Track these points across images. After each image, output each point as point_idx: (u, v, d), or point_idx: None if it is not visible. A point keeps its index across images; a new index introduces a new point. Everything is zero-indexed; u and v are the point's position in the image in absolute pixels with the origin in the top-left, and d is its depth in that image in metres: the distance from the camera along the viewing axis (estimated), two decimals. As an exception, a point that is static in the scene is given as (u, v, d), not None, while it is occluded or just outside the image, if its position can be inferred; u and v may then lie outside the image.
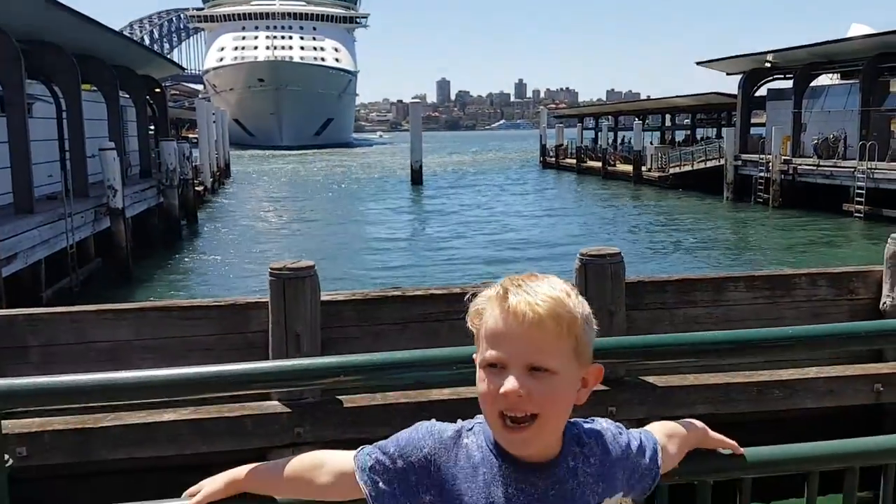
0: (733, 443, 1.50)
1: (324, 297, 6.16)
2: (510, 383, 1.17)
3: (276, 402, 5.98)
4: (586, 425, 1.33)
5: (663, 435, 1.43)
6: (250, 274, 19.47)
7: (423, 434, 1.27)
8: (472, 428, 1.29)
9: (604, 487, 1.28)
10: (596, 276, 5.91)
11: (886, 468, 1.63)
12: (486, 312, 1.23)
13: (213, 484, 1.39)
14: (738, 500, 1.60)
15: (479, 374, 1.23)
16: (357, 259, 22.17)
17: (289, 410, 5.80)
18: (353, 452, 1.32)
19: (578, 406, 1.27)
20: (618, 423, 1.37)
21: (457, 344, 1.60)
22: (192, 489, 1.39)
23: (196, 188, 32.37)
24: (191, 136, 56.43)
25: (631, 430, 1.38)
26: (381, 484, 1.27)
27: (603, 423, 1.36)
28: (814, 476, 1.58)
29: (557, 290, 1.21)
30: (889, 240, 6.28)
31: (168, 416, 5.65)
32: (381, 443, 1.30)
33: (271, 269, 5.97)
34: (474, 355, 1.27)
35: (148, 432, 5.43)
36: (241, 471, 1.41)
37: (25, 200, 15.73)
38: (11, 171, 16.06)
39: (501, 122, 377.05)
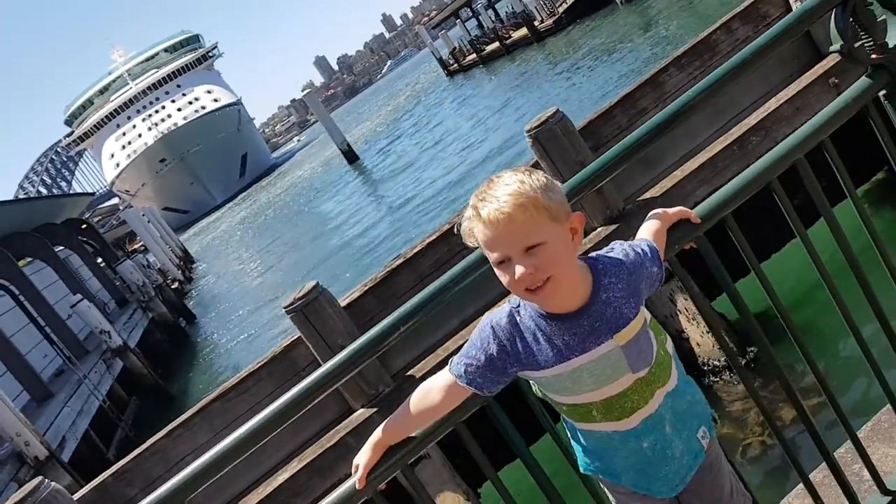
0: (685, 209, 1.78)
1: (343, 302, 6.39)
2: (519, 269, 1.44)
3: (361, 410, 6.28)
4: (607, 255, 1.60)
5: (652, 237, 1.70)
6: (270, 324, 19.72)
7: (488, 330, 1.57)
8: (518, 306, 1.57)
9: (635, 301, 1.56)
10: (549, 140, 6.09)
11: (825, 143, 1.87)
12: (474, 230, 1.48)
13: (363, 456, 1.65)
14: (736, 240, 1.85)
15: (497, 272, 1.49)
16: (349, 256, 22.34)
17: (375, 409, 6.09)
18: (446, 369, 1.62)
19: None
20: (625, 243, 1.64)
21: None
22: (355, 464, 1.66)
23: (172, 287, 32.32)
24: (135, 247, 55.91)
25: (634, 244, 1.64)
26: (477, 378, 1.59)
27: (616, 247, 1.63)
28: (775, 184, 1.83)
29: (512, 185, 1.45)
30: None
31: (282, 476, 5.95)
32: (462, 350, 1.60)
33: (285, 308, 6.17)
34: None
35: (275, 496, 5.70)
36: (376, 434, 1.69)
37: (39, 389, 15.88)
38: (11, 371, 16.16)
39: (388, 64, 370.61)
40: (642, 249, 1.63)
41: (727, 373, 6.07)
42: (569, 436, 1.72)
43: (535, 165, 6.30)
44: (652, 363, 1.57)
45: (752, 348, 5.84)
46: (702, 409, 1.68)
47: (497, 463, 1.86)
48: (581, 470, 1.73)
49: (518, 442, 1.76)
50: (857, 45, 1.81)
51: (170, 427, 6.33)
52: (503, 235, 1.43)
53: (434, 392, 1.65)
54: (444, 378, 1.63)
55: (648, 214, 1.78)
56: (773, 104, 6.46)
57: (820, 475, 2.00)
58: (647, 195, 6.31)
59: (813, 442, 1.93)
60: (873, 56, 1.80)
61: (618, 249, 1.62)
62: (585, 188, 1.90)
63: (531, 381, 1.64)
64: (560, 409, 1.64)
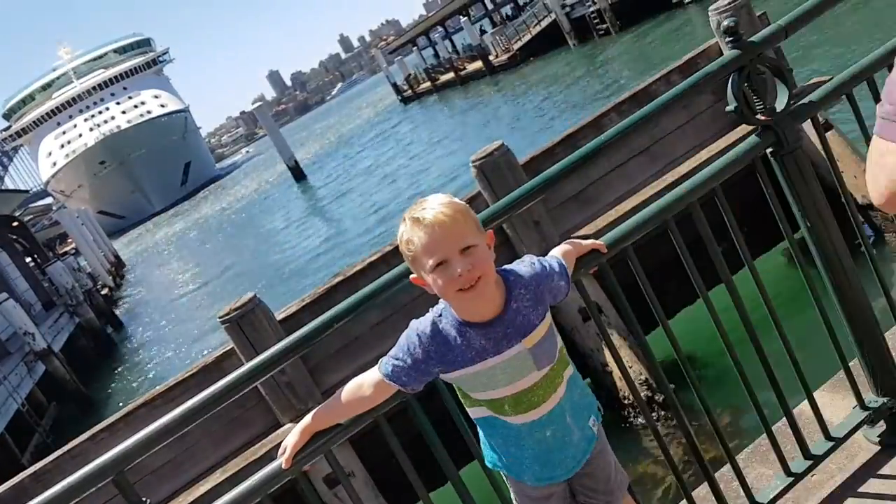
0: (597, 242, 2.04)
1: (279, 316, 6.44)
2: (457, 268, 1.63)
3: (288, 425, 6.33)
4: (517, 268, 1.81)
5: (562, 256, 1.93)
6: (200, 338, 19.41)
7: (414, 337, 1.76)
8: (440, 315, 1.77)
9: (541, 308, 1.78)
10: (493, 172, 6.35)
11: (716, 191, 2.13)
12: (413, 238, 1.66)
13: (291, 439, 1.79)
14: (633, 268, 2.10)
15: (431, 278, 1.67)
16: (287, 273, 22.21)
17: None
18: (376, 368, 1.81)
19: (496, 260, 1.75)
20: (536, 257, 1.85)
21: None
22: (280, 451, 1.79)
23: (101, 293, 31.47)
24: (67, 249, 54.22)
25: (543, 259, 1.86)
26: (403, 377, 1.78)
27: (526, 261, 1.84)
28: (671, 223, 2.08)
29: (444, 199, 1.67)
30: (710, 13, 6.82)
31: (204, 487, 5.94)
32: (391, 352, 1.79)
33: (220, 318, 6.18)
34: (412, 277, 1.75)
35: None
36: (306, 420, 1.83)
37: (-47, 389, 15.27)
38: (-77, 371, 15.53)
39: (339, 86, 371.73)
40: (551, 265, 1.84)
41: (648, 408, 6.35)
42: (480, 435, 1.90)
43: (477, 196, 6.55)
44: (554, 361, 1.79)
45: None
46: (590, 400, 1.92)
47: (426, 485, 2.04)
48: (489, 466, 1.92)
49: (439, 448, 1.93)
50: (749, 106, 2.07)
51: (93, 430, 6.26)
52: (442, 238, 1.63)
53: (364, 387, 1.83)
54: (373, 375, 1.82)
55: (566, 241, 2.02)
56: (703, 155, 6.87)
57: (703, 490, 2.24)
58: (582, 231, 6.61)
59: (698, 466, 2.22)
60: (762, 117, 2.07)
61: (527, 262, 1.83)
62: (512, 210, 2.11)
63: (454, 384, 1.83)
64: (476, 405, 1.83)
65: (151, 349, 22.13)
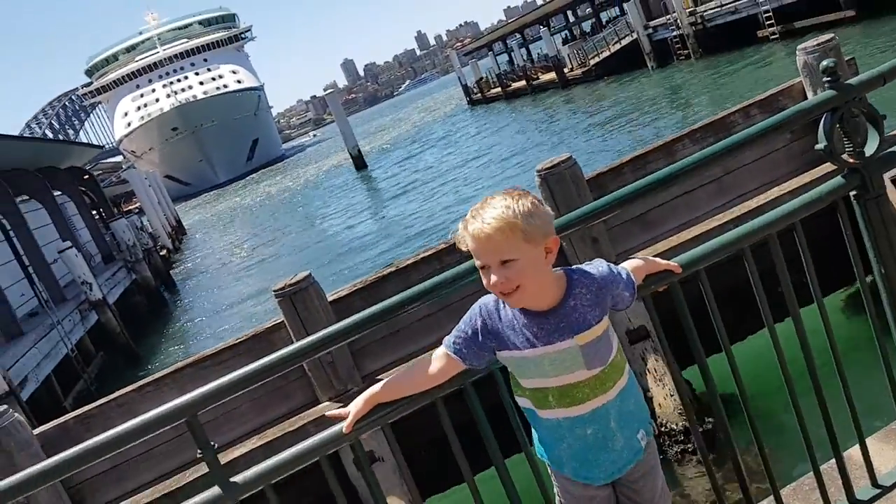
0: (671, 263, 2.07)
1: (330, 297, 6.58)
2: (493, 278, 1.77)
3: (326, 403, 6.46)
4: (585, 269, 1.90)
5: (633, 269, 2.00)
6: (248, 309, 19.82)
7: (476, 309, 1.91)
8: None
9: (599, 310, 1.85)
10: (557, 185, 6.35)
11: (795, 227, 2.14)
12: (466, 240, 1.80)
13: (355, 406, 1.88)
14: (704, 292, 2.11)
15: (480, 273, 1.82)
16: (337, 258, 22.51)
17: (340, 405, 6.26)
18: (443, 344, 1.93)
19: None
20: (607, 263, 1.92)
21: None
22: (336, 412, 1.87)
23: (160, 253, 32.36)
24: (131, 207, 55.84)
25: (613, 265, 1.93)
26: (463, 349, 1.91)
27: (595, 263, 1.92)
28: (747, 252, 2.10)
29: (498, 209, 1.75)
30: (797, 52, 6.75)
31: (240, 450, 6.10)
32: (456, 327, 1.92)
33: (274, 291, 6.34)
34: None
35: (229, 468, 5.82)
36: (372, 389, 1.92)
37: (11, 325, 15.88)
38: (-14, 304, 16.17)
39: (408, 82, 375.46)
40: (619, 272, 1.93)
41: (682, 437, 6.29)
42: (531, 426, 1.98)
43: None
44: (606, 365, 1.85)
45: (710, 419, 6.06)
46: (643, 414, 1.96)
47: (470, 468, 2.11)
48: (537, 454, 2.00)
49: (488, 431, 1.99)
50: (839, 147, 2.07)
51: (140, 383, 6.47)
52: (483, 249, 1.76)
53: (429, 361, 1.94)
54: (439, 350, 1.94)
55: (639, 256, 2.07)
56: (774, 192, 6.76)
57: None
58: (640, 253, 6.58)
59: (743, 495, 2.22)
60: (850, 160, 2.07)
61: (596, 264, 1.92)
62: (577, 225, 2.15)
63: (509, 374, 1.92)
64: (523, 395, 1.92)
65: (201, 313, 22.67)
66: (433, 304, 1.99)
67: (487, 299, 1.89)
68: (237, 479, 1.86)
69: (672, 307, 2.17)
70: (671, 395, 6.38)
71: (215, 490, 1.84)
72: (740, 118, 7.08)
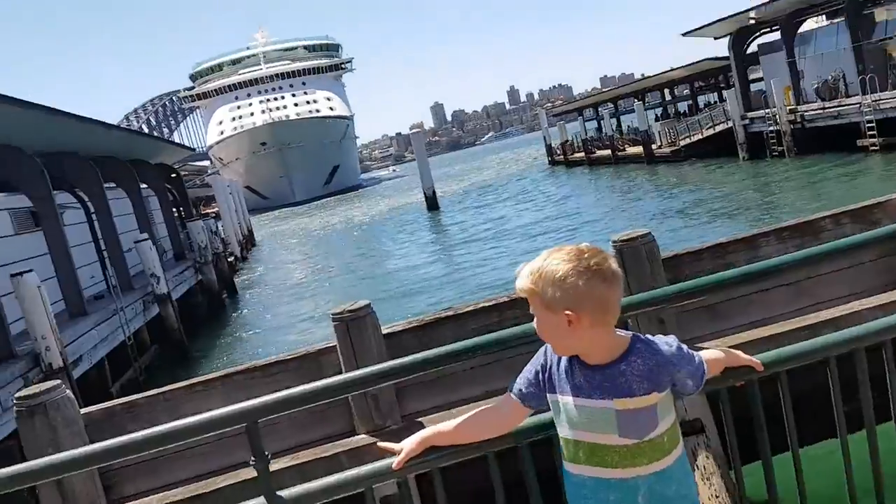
0: (753, 359, 2.03)
1: (385, 330, 6.59)
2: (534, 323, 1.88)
3: (362, 435, 6.42)
4: (653, 341, 1.89)
5: (711, 358, 1.97)
6: (300, 328, 20.04)
7: (542, 350, 1.97)
8: None
9: (648, 384, 1.82)
10: (632, 259, 6.24)
11: (885, 346, 2.03)
12: None
13: (409, 444, 1.86)
14: (780, 394, 2.02)
15: None
16: (399, 294, 22.63)
17: (374, 441, 6.20)
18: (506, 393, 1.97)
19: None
20: (678, 344, 1.88)
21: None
22: (389, 446, 1.86)
23: (228, 259, 33.17)
24: (208, 211, 57.60)
25: (687, 348, 1.89)
26: (524, 390, 1.97)
27: (667, 339, 1.90)
28: (832, 362, 2.00)
29: (534, 271, 1.83)
30: (901, 167, 6.54)
31: (273, 466, 6.10)
32: (523, 370, 1.98)
33: (333, 314, 6.38)
34: None
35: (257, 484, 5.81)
36: (428, 431, 1.91)
37: (77, 304, 16.41)
38: (58, 280, 16.71)
39: (491, 134, 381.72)
40: (688, 358, 1.89)
41: (721, 541, 5.98)
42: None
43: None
44: (643, 439, 1.81)
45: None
46: None
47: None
48: None
49: (538, 496, 1.94)
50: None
51: (190, 381, 6.56)
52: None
53: (489, 409, 1.97)
54: (501, 397, 1.99)
55: (724, 349, 1.99)
56: (855, 306, 6.49)
57: None
58: (704, 345, 6.38)
59: None
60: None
61: (667, 341, 1.90)
62: (651, 306, 2.12)
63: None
64: (560, 442, 1.93)
65: (255, 324, 23.06)
66: (486, 356, 2.00)
67: (547, 346, 1.95)
68: (284, 493, 1.86)
69: (735, 404, 2.08)
70: (716, 497, 6.11)
71: (261, 501, 1.85)
72: (830, 224, 6.86)
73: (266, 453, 1.87)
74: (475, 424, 1.93)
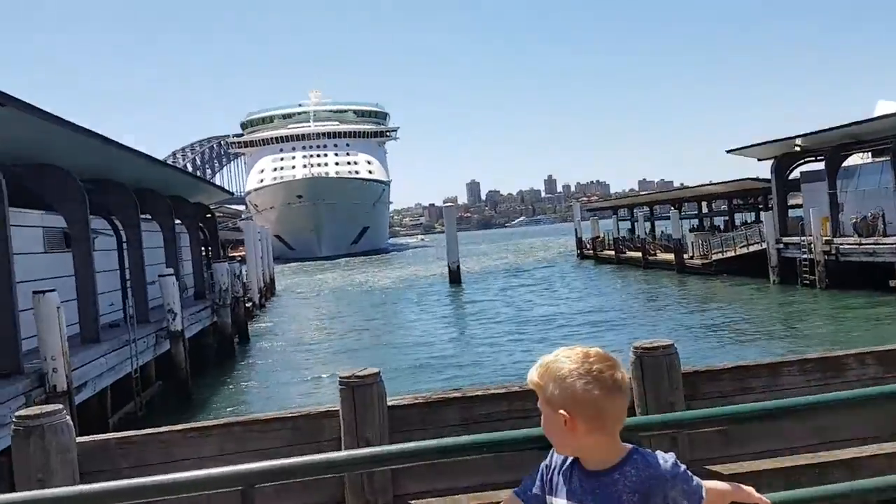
0: (765, 499, 2.01)
1: (390, 402, 6.50)
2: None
3: (352, 510, 6.25)
4: (651, 456, 1.84)
5: (713, 488, 1.93)
6: (305, 386, 19.85)
7: (550, 452, 1.96)
8: None
9: (639, 497, 1.79)
10: (651, 368, 6.16)
11: None
12: None
13: None
14: None
15: None
16: (409, 364, 22.43)
17: (364, 516, 6.04)
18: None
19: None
20: (677, 462, 1.84)
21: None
22: None
23: (246, 305, 33.28)
24: (235, 254, 58.22)
25: (686, 471, 1.84)
26: (528, 491, 1.98)
27: (659, 456, 1.85)
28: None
29: (539, 362, 1.88)
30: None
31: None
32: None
33: (340, 377, 6.32)
34: None
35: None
36: None
37: (92, 331, 16.46)
38: (78, 303, 16.82)
39: (521, 218, 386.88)
40: (687, 478, 1.83)
41: None
42: None
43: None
44: None
45: None
46: None
47: None
48: None
49: None
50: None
51: (187, 426, 6.49)
52: None
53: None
54: (508, 498, 2.01)
55: (734, 483, 1.92)
56: (873, 450, 6.30)
57: None
58: (713, 468, 6.20)
59: None
60: None
61: (666, 458, 1.86)
62: (654, 428, 2.09)
63: None
64: None
65: (262, 375, 22.93)
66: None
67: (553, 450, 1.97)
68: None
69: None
70: None
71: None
72: (854, 363, 6.74)
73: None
74: None
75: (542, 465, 1.97)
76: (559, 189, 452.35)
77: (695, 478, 1.85)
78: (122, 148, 18.61)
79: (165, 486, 1.76)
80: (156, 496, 1.77)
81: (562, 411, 1.79)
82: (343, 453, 1.99)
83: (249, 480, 1.81)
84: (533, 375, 1.86)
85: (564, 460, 1.90)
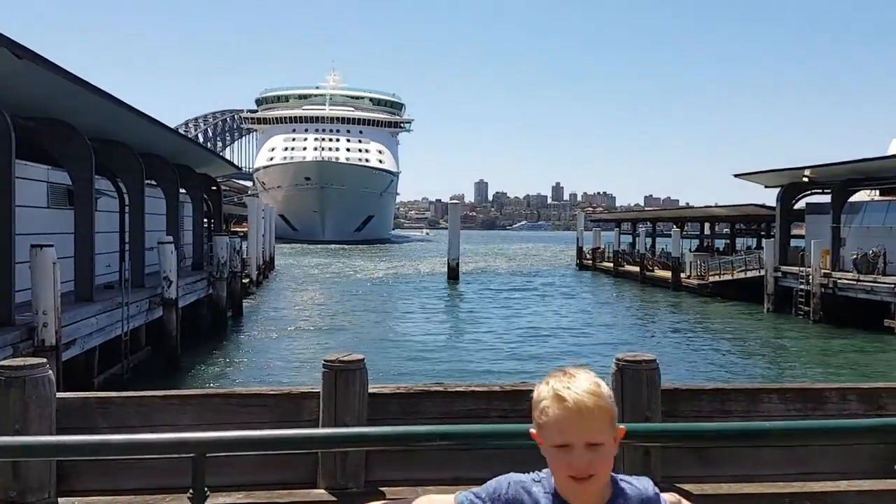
0: None
1: (371, 390, 6.53)
2: (578, 459, 1.65)
3: (322, 491, 6.28)
4: (633, 482, 1.78)
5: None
6: (291, 367, 19.91)
7: (506, 482, 1.75)
8: (540, 480, 1.75)
9: None
10: (631, 380, 6.18)
11: None
12: (549, 410, 1.69)
13: None
14: None
15: (550, 451, 1.70)
16: (395, 355, 22.48)
17: (334, 499, 6.08)
18: (453, 495, 1.78)
19: None
20: (655, 487, 1.81)
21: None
22: None
23: (242, 280, 33.32)
24: (238, 230, 58.19)
25: (661, 493, 1.81)
26: None
27: (643, 482, 1.81)
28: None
29: (593, 385, 1.70)
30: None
31: (222, 499, 5.97)
32: (475, 489, 1.77)
33: (325, 361, 6.34)
34: (531, 430, 1.75)
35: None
36: None
37: (86, 289, 16.52)
38: (75, 261, 16.86)
39: (524, 222, 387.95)
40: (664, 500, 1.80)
41: None
42: None
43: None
44: None
45: None
46: None
47: None
48: None
49: None
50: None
51: (167, 392, 6.52)
52: (577, 425, 1.65)
53: None
54: (444, 499, 1.81)
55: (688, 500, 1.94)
56: (843, 485, 6.33)
57: None
58: (685, 486, 6.23)
59: None
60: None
61: (645, 484, 1.79)
62: (638, 439, 2.08)
63: None
64: None
65: (250, 350, 23.00)
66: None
67: (519, 477, 1.76)
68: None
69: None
70: None
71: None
72: (835, 397, 6.76)
73: (206, 490, 1.83)
74: None
75: (490, 497, 1.73)
76: (566, 197, 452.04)
77: (666, 497, 1.84)
78: (133, 111, 18.62)
79: (121, 446, 1.79)
80: (108, 455, 1.81)
81: (531, 431, 1.72)
82: (297, 431, 2.00)
83: (201, 449, 1.83)
84: (593, 399, 1.66)
85: (530, 497, 1.71)
